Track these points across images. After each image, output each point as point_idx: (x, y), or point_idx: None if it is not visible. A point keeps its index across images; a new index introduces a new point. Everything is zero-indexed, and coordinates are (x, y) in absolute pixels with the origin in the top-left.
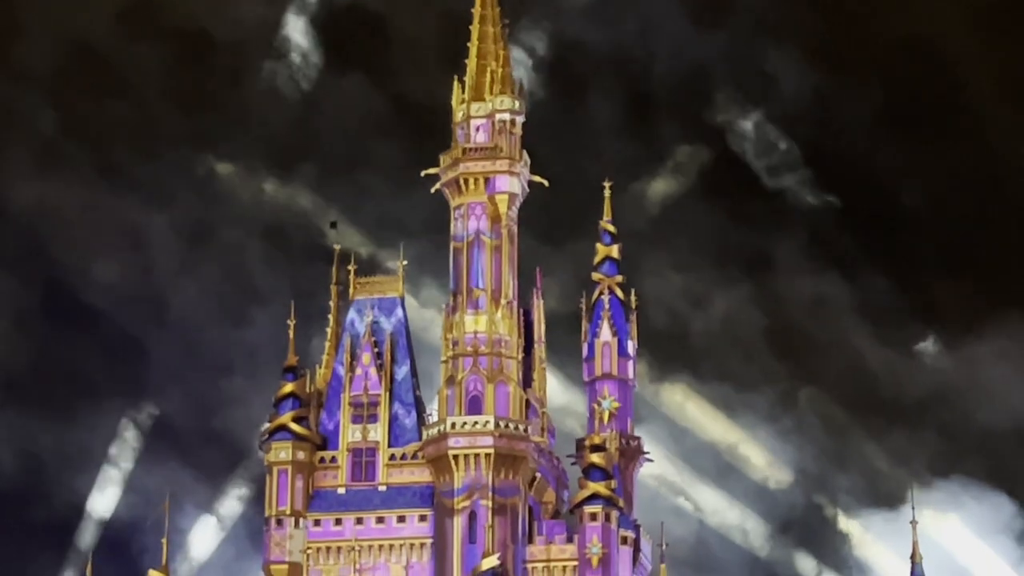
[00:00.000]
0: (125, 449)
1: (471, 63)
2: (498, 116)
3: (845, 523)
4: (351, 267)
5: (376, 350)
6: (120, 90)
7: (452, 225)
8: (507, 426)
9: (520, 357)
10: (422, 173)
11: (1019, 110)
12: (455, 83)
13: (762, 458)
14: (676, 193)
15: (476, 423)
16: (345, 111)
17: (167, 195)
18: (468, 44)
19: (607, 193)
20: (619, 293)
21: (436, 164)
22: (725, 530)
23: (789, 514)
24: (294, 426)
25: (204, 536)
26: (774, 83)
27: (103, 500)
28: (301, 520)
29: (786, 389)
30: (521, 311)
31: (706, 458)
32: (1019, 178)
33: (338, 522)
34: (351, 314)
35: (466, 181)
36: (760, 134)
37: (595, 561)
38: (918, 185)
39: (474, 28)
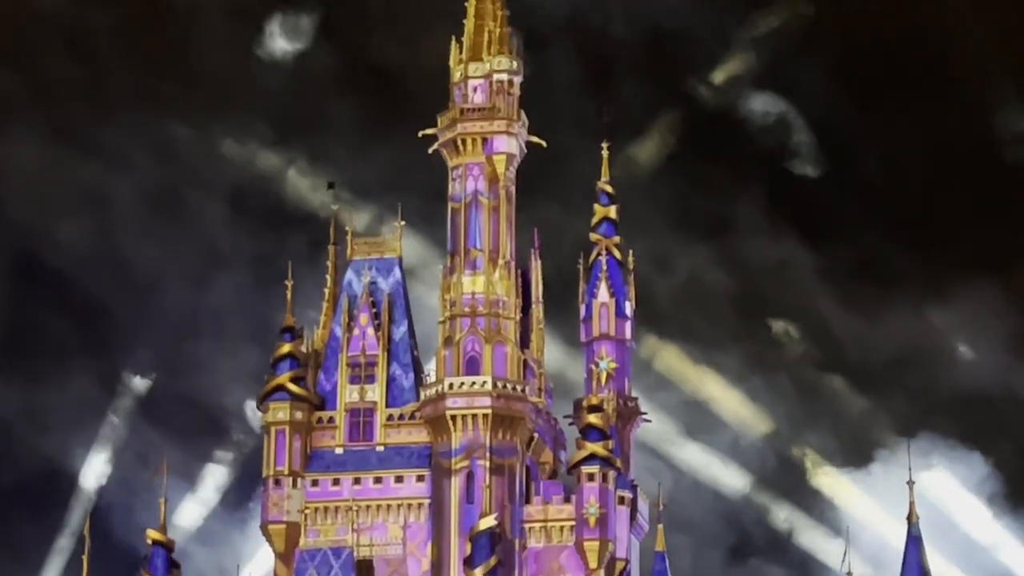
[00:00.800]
0: (96, 412)
1: (468, 23)
2: (496, 76)
3: (818, 480)
4: (348, 228)
5: (374, 310)
6: (75, 52)
7: (450, 186)
8: (505, 387)
9: (518, 318)
10: (420, 134)
11: (988, 76)
12: (452, 43)
13: (734, 416)
14: (637, 156)
15: (474, 384)
16: (305, 71)
17: (126, 158)
18: (465, 3)
19: (604, 154)
20: (616, 254)
21: (395, 124)
22: (700, 486)
23: (762, 471)
24: (292, 386)
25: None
26: (736, 46)
27: (74, 461)
28: (299, 480)
29: (753, 351)
30: (519, 272)
31: (680, 415)
32: (985, 143)
33: (336, 482)
34: (348, 274)
35: (463, 142)
36: (722, 98)
37: (592, 521)
38: (882, 150)
39: None
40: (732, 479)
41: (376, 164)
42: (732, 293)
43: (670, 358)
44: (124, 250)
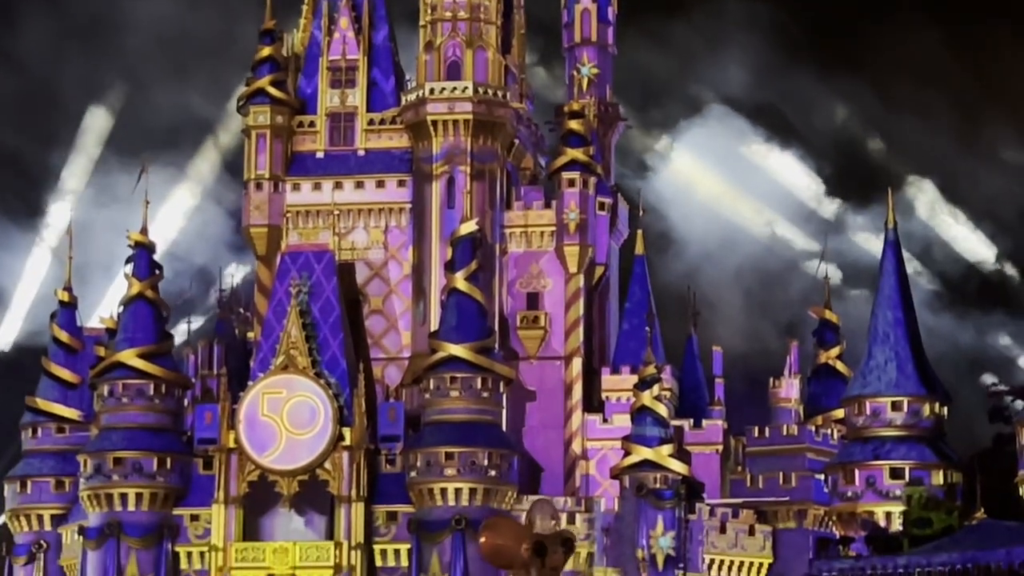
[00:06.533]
0: None
1: None
2: None
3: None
4: None
5: (354, 14)
6: None
7: None
8: (486, 92)
9: (499, 22)
10: None
11: None
12: None
13: None
14: None
15: (455, 89)
16: None
17: None
18: None
19: None
20: None
21: None
22: None
23: None
24: (272, 90)
25: None
26: None
27: None
28: (280, 184)
29: None
30: None
31: None
32: None
33: (317, 186)
34: None
35: None
36: None
37: (572, 227)
38: None
39: None
40: None
41: None
42: None
43: None
44: None
